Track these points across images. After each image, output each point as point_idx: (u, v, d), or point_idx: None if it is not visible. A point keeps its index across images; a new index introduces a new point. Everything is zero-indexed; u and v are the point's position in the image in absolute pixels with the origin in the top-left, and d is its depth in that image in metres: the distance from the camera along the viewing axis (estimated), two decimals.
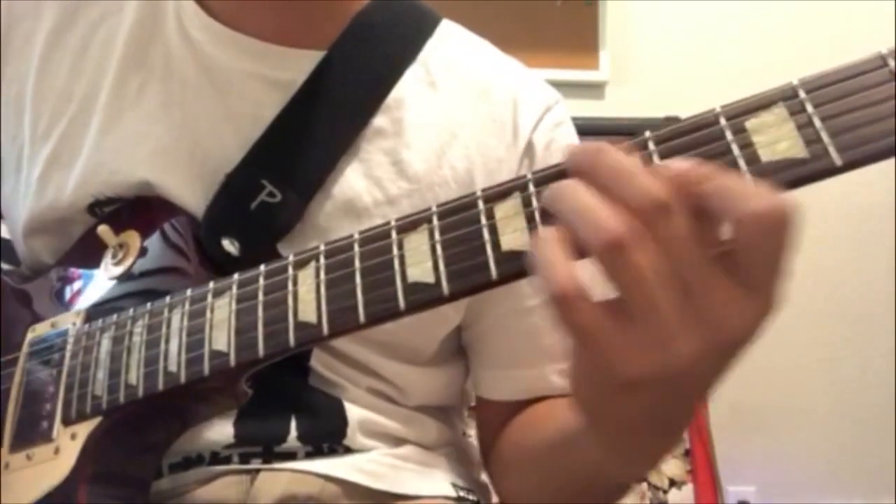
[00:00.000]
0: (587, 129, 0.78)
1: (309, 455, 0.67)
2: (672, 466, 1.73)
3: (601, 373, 0.42)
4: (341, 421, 0.68)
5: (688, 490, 1.72)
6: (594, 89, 2.23)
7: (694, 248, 0.38)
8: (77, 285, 0.67)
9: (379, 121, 0.69)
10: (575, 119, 0.78)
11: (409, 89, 0.71)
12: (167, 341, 0.56)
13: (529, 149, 0.72)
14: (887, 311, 2.19)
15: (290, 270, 0.51)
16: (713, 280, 0.38)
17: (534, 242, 0.41)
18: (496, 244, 0.45)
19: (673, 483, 1.73)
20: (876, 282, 2.22)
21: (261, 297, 0.52)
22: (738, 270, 0.39)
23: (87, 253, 0.67)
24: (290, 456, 0.67)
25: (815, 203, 1.94)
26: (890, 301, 2.19)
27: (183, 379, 0.54)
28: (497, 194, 0.45)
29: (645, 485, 1.72)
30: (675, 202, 0.38)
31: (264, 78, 0.68)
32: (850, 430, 2.20)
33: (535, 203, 0.44)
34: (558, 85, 0.79)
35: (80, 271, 0.68)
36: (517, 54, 0.79)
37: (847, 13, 2.19)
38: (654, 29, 2.27)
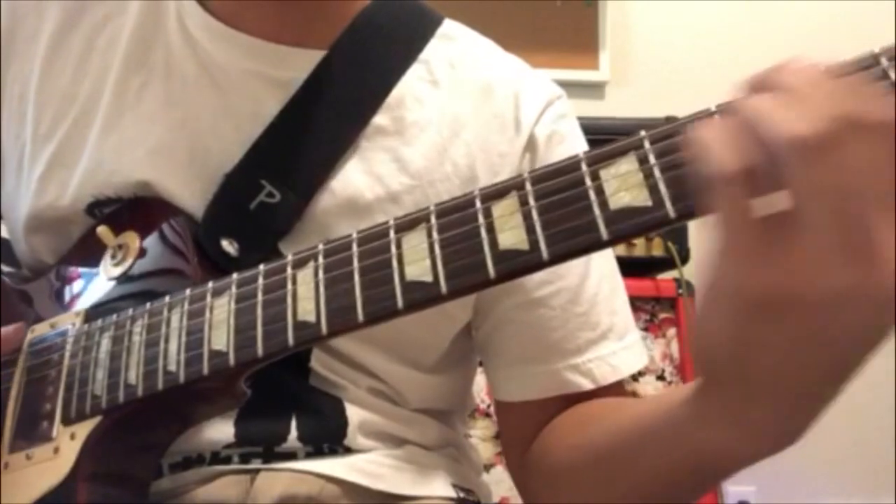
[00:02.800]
0: (587, 129, 0.78)
1: (309, 455, 0.67)
2: None
3: (737, 285, 0.38)
4: (342, 421, 0.67)
5: None
6: (594, 89, 2.23)
7: (886, 176, 0.35)
8: (77, 286, 0.67)
9: (380, 119, 0.69)
10: (575, 119, 0.78)
11: (410, 88, 0.71)
12: (166, 341, 0.56)
13: (531, 142, 0.72)
14: None
15: (289, 270, 0.52)
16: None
17: (697, 127, 0.39)
18: (494, 242, 0.45)
19: None
20: None
21: (260, 296, 0.52)
22: None
23: (87, 254, 0.67)
24: (291, 456, 0.66)
25: None
26: None
27: (182, 378, 0.54)
28: (494, 193, 0.45)
29: None
30: (881, 119, 0.35)
31: (265, 77, 0.69)
32: (850, 430, 2.19)
33: (531, 201, 0.44)
34: (558, 85, 0.79)
35: (80, 272, 0.68)
36: (517, 54, 0.80)
37: (848, 13, 2.19)
38: (654, 29, 2.27)
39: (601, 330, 0.72)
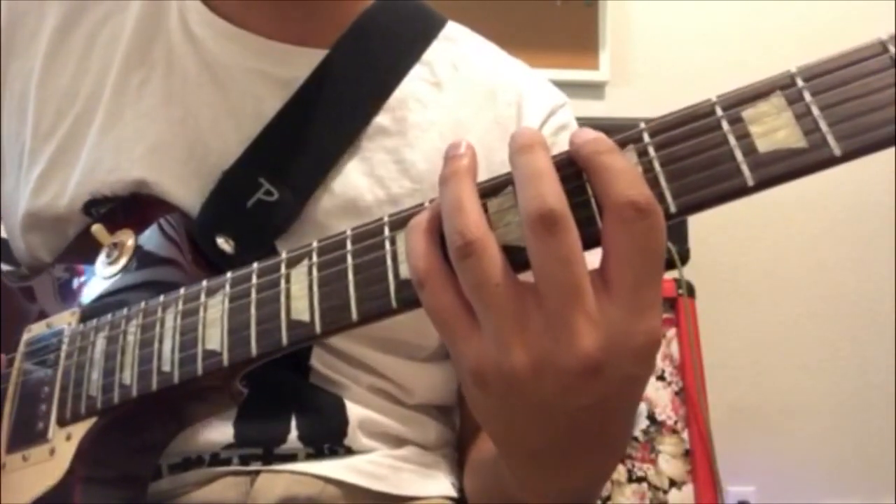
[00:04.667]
0: None
1: (309, 457, 0.67)
2: (672, 466, 1.73)
3: (456, 362, 0.44)
4: (342, 420, 0.67)
5: (688, 490, 1.72)
6: (594, 89, 2.23)
7: (572, 269, 0.39)
8: (72, 285, 0.67)
9: (381, 119, 0.69)
10: (576, 119, 0.77)
11: (412, 89, 0.71)
12: (161, 341, 0.55)
13: None
14: (888, 310, 2.19)
15: (283, 268, 0.51)
16: (577, 297, 0.39)
17: (406, 230, 0.44)
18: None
19: (673, 483, 1.72)
20: (876, 281, 2.22)
21: (254, 295, 0.51)
22: (603, 283, 0.40)
23: (83, 252, 0.67)
24: (291, 457, 0.66)
25: (815, 202, 1.94)
26: (890, 301, 2.19)
27: (176, 379, 0.54)
28: (490, 189, 0.45)
29: (645, 485, 1.72)
30: (560, 217, 0.39)
31: (266, 75, 0.68)
32: (850, 430, 2.19)
33: None
34: (558, 85, 0.79)
35: (76, 271, 0.68)
36: (517, 54, 0.79)
37: (849, 14, 2.19)
38: (654, 29, 2.27)
39: None
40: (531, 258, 0.40)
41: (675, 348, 1.78)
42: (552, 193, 0.39)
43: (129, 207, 0.66)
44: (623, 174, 0.40)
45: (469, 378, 0.42)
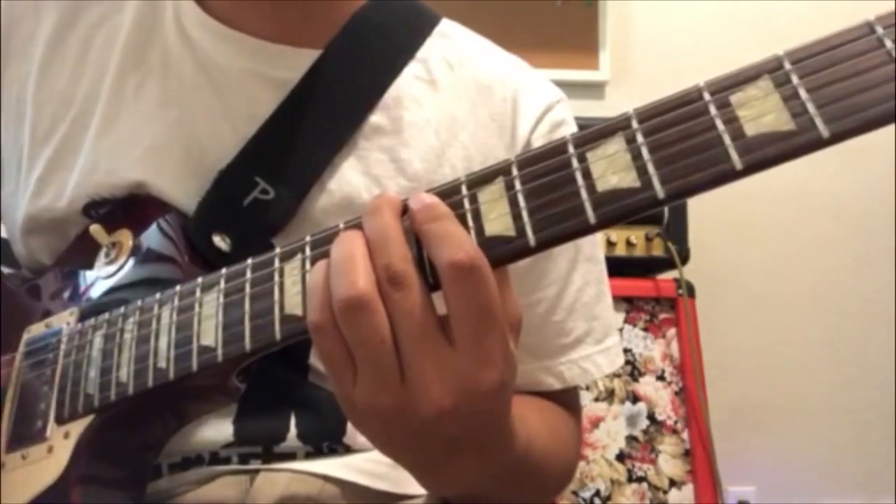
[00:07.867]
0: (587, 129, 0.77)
1: (309, 455, 0.67)
2: (672, 466, 1.73)
3: (335, 394, 0.47)
4: (341, 418, 0.67)
5: (688, 490, 1.72)
6: (594, 89, 2.23)
7: (417, 322, 0.43)
8: (71, 285, 0.67)
9: (377, 118, 0.69)
10: (575, 119, 0.77)
11: (408, 87, 0.71)
12: (157, 337, 0.55)
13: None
14: (888, 310, 2.18)
15: (277, 263, 0.51)
16: (426, 349, 0.43)
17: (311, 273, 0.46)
18: (480, 230, 0.44)
19: (673, 483, 1.72)
20: (876, 281, 2.21)
21: (248, 290, 0.51)
22: (449, 335, 0.43)
23: (82, 253, 0.67)
24: (290, 456, 0.66)
25: (816, 202, 1.93)
26: (890, 301, 2.18)
27: (172, 375, 0.54)
28: (480, 179, 0.45)
29: (645, 485, 1.72)
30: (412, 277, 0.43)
31: (262, 76, 0.69)
32: (850, 430, 2.19)
33: (518, 186, 0.44)
34: (558, 85, 0.78)
35: (75, 271, 0.68)
36: (517, 54, 0.79)
37: (849, 16, 2.18)
38: (654, 29, 2.27)
39: (575, 336, 0.74)
40: (387, 315, 0.43)
41: (675, 348, 1.78)
42: (397, 255, 0.43)
43: (128, 207, 0.67)
44: (446, 239, 0.43)
45: (347, 412, 0.47)
